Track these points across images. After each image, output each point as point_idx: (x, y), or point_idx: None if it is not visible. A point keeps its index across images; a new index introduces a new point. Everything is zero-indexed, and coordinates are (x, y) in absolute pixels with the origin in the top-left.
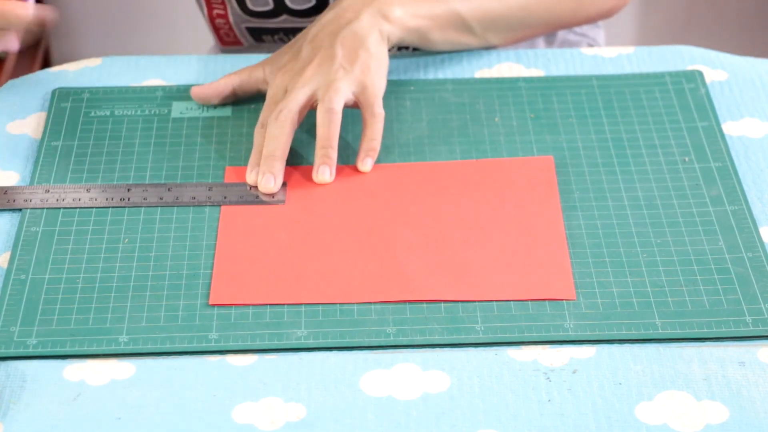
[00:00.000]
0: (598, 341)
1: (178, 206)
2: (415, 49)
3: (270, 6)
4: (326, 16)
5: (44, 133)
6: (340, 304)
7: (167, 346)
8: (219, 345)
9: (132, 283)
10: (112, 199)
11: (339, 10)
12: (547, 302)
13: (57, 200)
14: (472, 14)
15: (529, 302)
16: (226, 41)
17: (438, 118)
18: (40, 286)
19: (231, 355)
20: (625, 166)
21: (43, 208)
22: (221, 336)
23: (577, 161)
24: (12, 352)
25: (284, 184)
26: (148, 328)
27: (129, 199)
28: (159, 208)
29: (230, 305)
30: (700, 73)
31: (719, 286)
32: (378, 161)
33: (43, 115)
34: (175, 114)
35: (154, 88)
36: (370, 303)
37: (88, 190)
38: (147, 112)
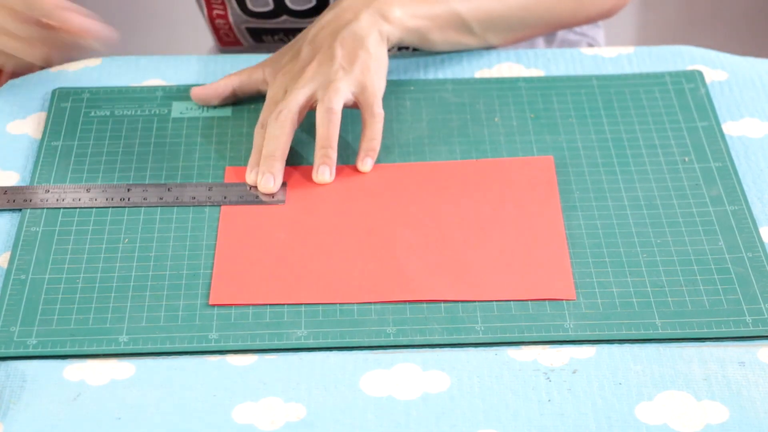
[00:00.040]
0: (598, 341)
1: (178, 206)
2: (415, 49)
3: (270, 6)
4: (326, 17)
5: (44, 133)
6: (340, 304)
7: (167, 346)
8: (219, 345)
9: (132, 283)
10: (112, 199)
11: (338, 10)
12: (547, 302)
13: (57, 200)
14: (471, 14)
15: (529, 302)
16: (226, 41)
17: (438, 118)
18: (40, 286)
19: (231, 355)
20: (625, 166)
21: (43, 208)
22: (221, 336)
23: (577, 161)
24: (12, 352)
25: (284, 184)
26: (148, 328)
27: (129, 199)
28: (159, 208)
29: (230, 305)
30: (700, 73)
31: (719, 286)
32: (378, 161)
33: (43, 115)
34: (175, 114)
35: (154, 88)
36: (370, 303)
37: (88, 190)
38: (147, 112)
